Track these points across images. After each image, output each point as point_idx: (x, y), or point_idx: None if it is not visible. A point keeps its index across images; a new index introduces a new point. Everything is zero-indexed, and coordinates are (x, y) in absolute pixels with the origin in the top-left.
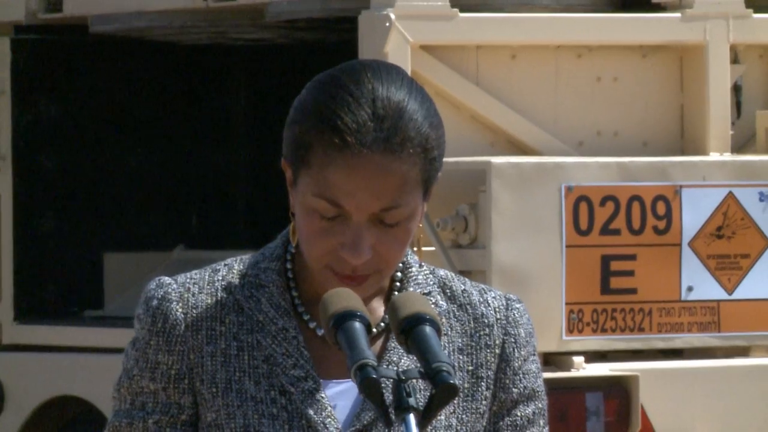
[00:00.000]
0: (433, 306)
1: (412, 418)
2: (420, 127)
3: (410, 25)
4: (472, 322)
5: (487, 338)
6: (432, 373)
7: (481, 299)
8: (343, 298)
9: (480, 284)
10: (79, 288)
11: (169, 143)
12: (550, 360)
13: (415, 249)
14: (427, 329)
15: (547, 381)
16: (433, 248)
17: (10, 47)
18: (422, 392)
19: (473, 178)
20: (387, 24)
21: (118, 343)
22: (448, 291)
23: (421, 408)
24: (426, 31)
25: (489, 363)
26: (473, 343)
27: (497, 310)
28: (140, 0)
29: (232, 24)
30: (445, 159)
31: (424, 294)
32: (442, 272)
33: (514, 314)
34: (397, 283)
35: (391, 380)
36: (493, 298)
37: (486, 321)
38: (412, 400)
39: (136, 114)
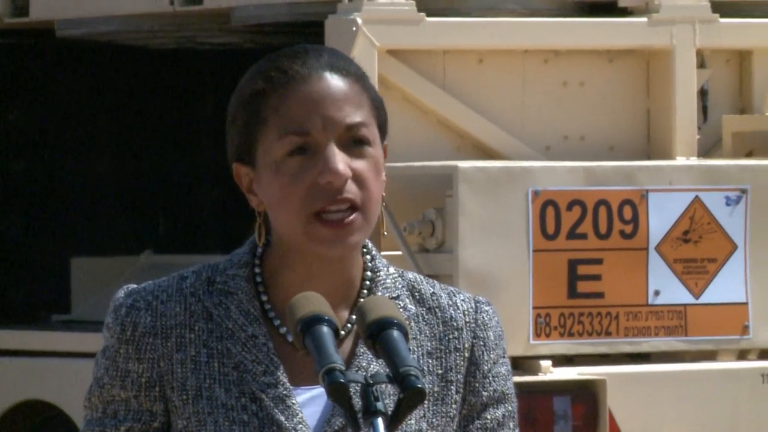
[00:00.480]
0: (401, 310)
1: (380, 423)
2: (357, 67)
3: (377, 29)
4: (441, 326)
5: (456, 341)
6: (400, 378)
7: (450, 302)
8: (310, 302)
9: (449, 287)
10: (46, 292)
11: (136, 147)
12: (518, 364)
13: (384, 234)
14: (395, 333)
15: (514, 385)
16: (399, 252)
17: None
18: (391, 397)
19: (440, 183)
20: (354, 28)
21: (86, 347)
22: (416, 294)
23: (390, 412)
24: (393, 35)
25: (458, 366)
26: (442, 347)
27: (466, 313)
28: (107, 4)
29: (199, 28)
30: (411, 163)
31: (392, 298)
32: (410, 275)
33: (483, 317)
34: (366, 287)
35: (359, 384)
36: (462, 300)
37: (455, 324)
38: (380, 405)
39: (103, 118)
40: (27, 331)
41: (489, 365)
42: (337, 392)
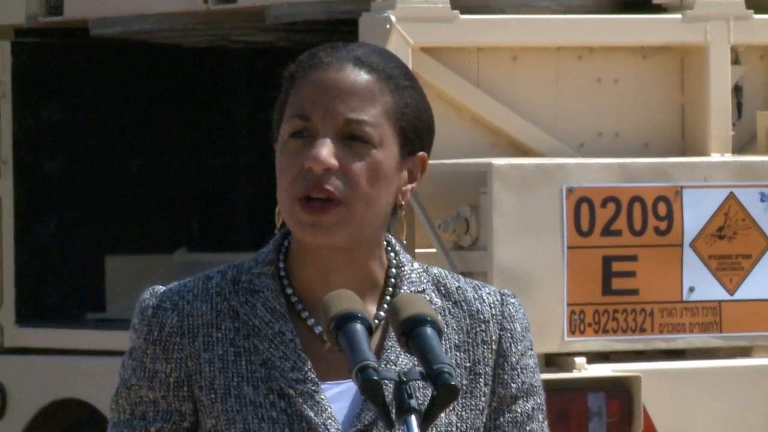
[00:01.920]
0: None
1: (413, 420)
2: (396, 66)
3: (411, 27)
4: (467, 319)
5: (484, 334)
6: (433, 375)
7: (476, 296)
8: (343, 299)
9: (474, 281)
10: (80, 291)
11: (170, 146)
12: (552, 361)
13: (404, 241)
14: (428, 330)
15: (549, 382)
16: (434, 249)
17: (11, 51)
18: (421, 390)
19: (474, 180)
20: (387, 26)
21: (120, 345)
22: (442, 288)
23: (423, 409)
24: (427, 33)
25: (486, 359)
26: (470, 340)
27: (492, 305)
28: (141, 3)
29: (232, 27)
30: (446, 160)
31: (418, 292)
32: (435, 270)
33: (509, 309)
34: (391, 284)
35: (393, 382)
36: (488, 294)
37: (482, 317)
38: (413, 402)
39: (136, 117)
40: (62, 330)
41: (517, 357)
42: (371, 390)
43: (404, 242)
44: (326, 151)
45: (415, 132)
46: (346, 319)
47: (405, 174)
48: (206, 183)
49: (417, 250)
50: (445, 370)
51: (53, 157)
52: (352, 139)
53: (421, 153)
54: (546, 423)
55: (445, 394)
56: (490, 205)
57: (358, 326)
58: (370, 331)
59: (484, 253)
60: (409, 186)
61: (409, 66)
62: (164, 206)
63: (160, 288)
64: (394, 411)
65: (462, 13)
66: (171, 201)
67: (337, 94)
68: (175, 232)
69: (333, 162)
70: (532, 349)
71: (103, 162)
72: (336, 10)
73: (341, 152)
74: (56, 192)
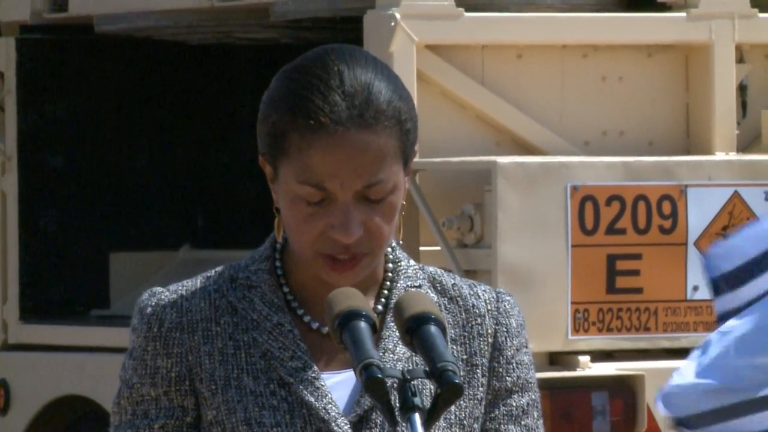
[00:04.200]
0: None
1: (417, 418)
2: (390, 100)
3: (416, 24)
4: (463, 314)
5: (479, 327)
6: (437, 373)
7: (471, 292)
8: (347, 297)
9: (469, 280)
10: (85, 287)
11: (175, 142)
12: (556, 359)
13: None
14: (432, 328)
15: (552, 380)
16: (438, 248)
17: (16, 47)
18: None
19: (479, 178)
20: (392, 23)
21: (124, 342)
22: (438, 285)
23: (426, 407)
24: (431, 30)
25: (483, 351)
26: (466, 333)
27: (488, 301)
28: (145, 0)
29: (237, 24)
30: (450, 158)
31: (414, 287)
32: (431, 268)
33: (504, 305)
34: (389, 275)
35: (397, 380)
36: (483, 291)
37: (477, 311)
38: (417, 400)
39: (141, 113)
40: (66, 327)
41: (512, 351)
42: (375, 387)
43: (401, 243)
44: (355, 223)
45: (413, 146)
46: (351, 316)
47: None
48: (211, 180)
49: (421, 248)
50: (449, 368)
51: (57, 153)
52: (371, 198)
53: (415, 148)
54: (541, 421)
55: (448, 392)
56: (495, 203)
57: (362, 324)
58: (374, 328)
59: (489, 251)
60: (406, 185)
61: (414, 64)
62: (169, 203)
63: (158, 288)
64: (397, 408)
65: (467, 10)
66: (175, 197)
67: (351, 162)
68: (179, 228)
69: (362, 231)
70: (527, 347)
71: (108, 158)
72: (340, 7)
73: (361, 212)
74: (60, 188)
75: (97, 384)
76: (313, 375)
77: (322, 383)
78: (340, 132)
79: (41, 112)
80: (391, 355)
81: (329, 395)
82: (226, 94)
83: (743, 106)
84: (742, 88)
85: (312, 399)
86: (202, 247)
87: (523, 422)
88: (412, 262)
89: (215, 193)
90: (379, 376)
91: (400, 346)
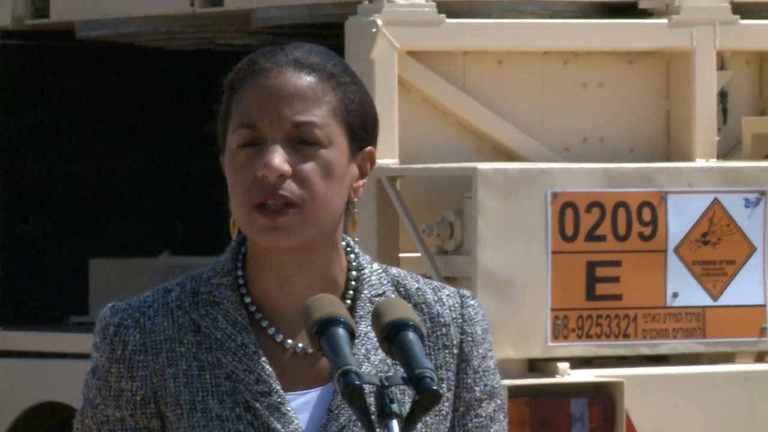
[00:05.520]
0: None
1: (395, 425)
2: (337, 66)
3: (397, 30)
4: (428, 322)
5: (445, 338)
6: (415, 379)
7: (436, 298)
8: (326, 303)
9: (433, 282)
10: (64, 294)
11: (154, 149)
12: (535, 366)
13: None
14: (411, 335)
15: (532, 387)
16: (418, 254)
17: None
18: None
19: (459, 184)
20: (374, 30)
21: None
22: (402, 290)
23: (404, 414)
24: (413, 36)
25: (448, 364)
26: (431, 344)
27: (452, 308)
28: (127, 6)
29: (218, 30)
30: (430, 165)
31: (378, 295)
32: (394, 270)
33: (469, 312)
34: (351, 287)
35: (375, 386)
36: (447, 296)
37: (442, 320)
38: (395, 407)
39: (122, 120)
40: (45, 333)
41: (479, 360)
42: (352, 394)
43: (356, 239)
44: (278, 158)
45: (362, 127)
46: (329, 323)
47: (355, 170)
48: (191, 186)
49: (401, 255)
50: (427, 374)
51: (38, 160)
52: (301, 142)
53: (368, 148)
54: (506, 421)
55: (426, 398)
56: (475, 209)
57: (341, 331)
58: (352, 335)
59: (468, 257)
60: (360, 182)
61: (395, 70)
62: (149, 209)
63: (120, 304)
64: (375, 415)
65: (448, 17)
66: (155, 204)
67: (282, 99)
68: (159, 235)
69: (286, 168)
70: (491, 351)
71: (88, 165)
72: (322, 13)
73: (292, 156)
74: (40, 194)
75: (76, 391)
76: (278, 400)
77: (288, 408)
78: (275, 72)
79: (22, 118)
80: (380, 376)
81: (296, 421)
82: (207, 100)
83: (724, 112)
84: (723, 95)
85: (278, 426)
86: (182, 253)
87: (492, 430)
88: (375, 265)
89: (195, 200)
90: (357, 383)
91: (372, 345)
